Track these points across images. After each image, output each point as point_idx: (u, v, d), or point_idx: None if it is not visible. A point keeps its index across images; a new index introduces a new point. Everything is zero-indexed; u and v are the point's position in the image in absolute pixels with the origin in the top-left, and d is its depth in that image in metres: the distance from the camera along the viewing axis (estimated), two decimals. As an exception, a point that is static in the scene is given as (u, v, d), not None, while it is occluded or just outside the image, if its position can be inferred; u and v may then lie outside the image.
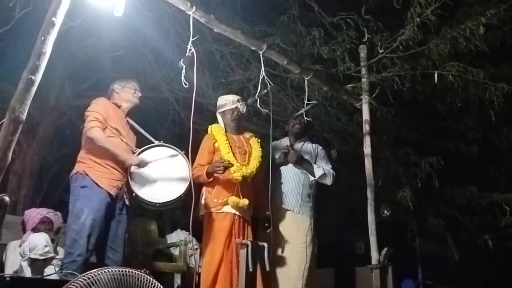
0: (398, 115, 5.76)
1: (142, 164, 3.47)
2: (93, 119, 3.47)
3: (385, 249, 4.16)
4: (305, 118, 4.16)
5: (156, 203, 3.42)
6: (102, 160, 3.47)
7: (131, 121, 3.78)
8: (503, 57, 5.60)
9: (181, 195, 3.42)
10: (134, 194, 3.43)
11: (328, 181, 4.19)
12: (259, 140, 4.02)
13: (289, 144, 4.25)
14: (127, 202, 3.57)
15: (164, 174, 3.51)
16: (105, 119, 3.52)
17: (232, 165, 3.61)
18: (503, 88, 4.79)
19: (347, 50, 4.80)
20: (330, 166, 4.25)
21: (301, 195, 4.09)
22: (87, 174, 3.42)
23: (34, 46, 2.28)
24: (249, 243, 3.40)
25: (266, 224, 3.81)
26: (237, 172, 3.67)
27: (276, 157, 4.10)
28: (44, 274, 3.49)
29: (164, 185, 3.46)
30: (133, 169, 3.48)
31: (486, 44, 4.84)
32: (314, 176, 4.13)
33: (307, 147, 4.28)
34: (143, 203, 3.48)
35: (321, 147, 4.36)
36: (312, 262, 3.99)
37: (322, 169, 4.15)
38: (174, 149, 3.57)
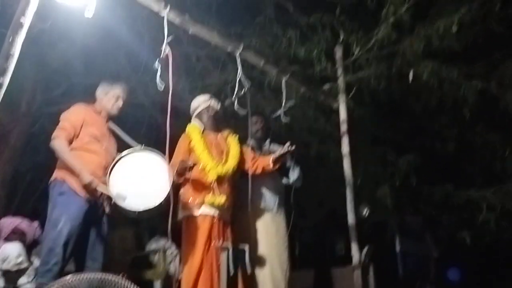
0: (374, 114, 5.81)
1: (92, 185, 3.28)
2: (59, 128, 3.39)
3: (366, 248, 4.17)
4: (283, 119, 4.15)
5: (135, 211, 3.33)
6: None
7: (112, 126, 3.67)
8: (476, 55, 5.68)
9: (161, 202, 3.34)
10: (112, 202, 3.33)
11: (299, 183, 4.21)
12: (236, 137, 3.97)
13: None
14: (107, 210, 3.47)
15: (144, 181, 3.42)
16: (75, 127, 3.41)
17: (195, 165, 3.55)
18: (477, 86, 4.86)
19: (323, 50, 4.82)
20: (298, 169, 4.26)
21: (278, 195, 4.08)
22: (65, 181, 3.32)
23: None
24: (229, 246, 3.35)
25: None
26: (212, 171, 3.62)
27: None
28: (17, 285, 3.38)
29: (144, 192, 3.37)
30: (112, 176, 3.37)
31: (459, 42, 4.90)
32: (290, 180, 4.15)
33: (274, 148, 4.26)
34: (122, 211, 3.38)
35: None
36: (290, 262, 3.99)
37: (296, 172, 4.16)
38: (155, 154, 3.48)
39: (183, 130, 3.99)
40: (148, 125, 5.87)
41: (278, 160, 3.85)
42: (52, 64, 5.43)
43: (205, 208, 3.61)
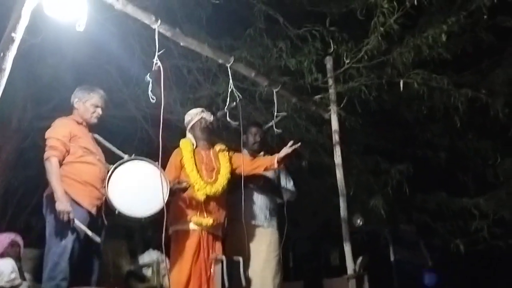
0: (366, 124, 5.82)
1: (64, 216, 3.11)
2: (49, 148, 3.29)
3: (360, 258, 4.16)
4: (275, 130, 4.16)
5: (141, 217, 3.32)
6: (81, 178, 3.31)
7: (97, 136, 3.60)
8: (465, 64, 5.75)
9: (163, 206, 3.32)
10: (117, 212, 3.28)
11: (293, 198, 4.26)
12: (227, 155, 3.95)
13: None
14: (105, 222, 3.42)
15: (142, 188, 3.40)
16: (65, 144, 3.32)
17: (189, 186, 3.56)
18: (467, 94, 4.90)
19: (313, 61, 4.85)
20: (292, 183, 4.28)
21: (269, 209, 4.08)
22: (66, 193, 3.20)
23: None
24: (224, 258, 3.33)
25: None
26: (200, 191, 3.63)
27: None
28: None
29: (144, 198, 3.35)
30: (110, 187, 3.32)
31: (448, 51, 4.96)
32: (282, 199, 4.18)
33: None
34: (127, 220, 3.35)
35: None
36: (282, 275, 4.00)
37: (289, 192, 4.21)
38: (147, 161, 3.46)
39: (175, 142, 3.99)
40: (140, 138, 5.85)
41: (284, 159, 3.80)
42: (43, 79, 5.41)
43: (194, 225, 3.61)
